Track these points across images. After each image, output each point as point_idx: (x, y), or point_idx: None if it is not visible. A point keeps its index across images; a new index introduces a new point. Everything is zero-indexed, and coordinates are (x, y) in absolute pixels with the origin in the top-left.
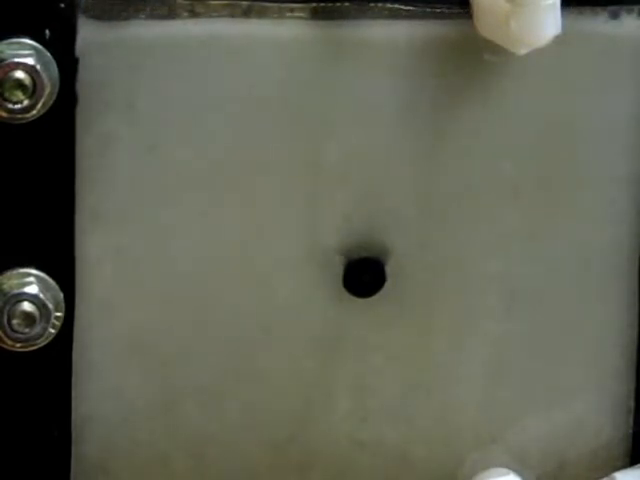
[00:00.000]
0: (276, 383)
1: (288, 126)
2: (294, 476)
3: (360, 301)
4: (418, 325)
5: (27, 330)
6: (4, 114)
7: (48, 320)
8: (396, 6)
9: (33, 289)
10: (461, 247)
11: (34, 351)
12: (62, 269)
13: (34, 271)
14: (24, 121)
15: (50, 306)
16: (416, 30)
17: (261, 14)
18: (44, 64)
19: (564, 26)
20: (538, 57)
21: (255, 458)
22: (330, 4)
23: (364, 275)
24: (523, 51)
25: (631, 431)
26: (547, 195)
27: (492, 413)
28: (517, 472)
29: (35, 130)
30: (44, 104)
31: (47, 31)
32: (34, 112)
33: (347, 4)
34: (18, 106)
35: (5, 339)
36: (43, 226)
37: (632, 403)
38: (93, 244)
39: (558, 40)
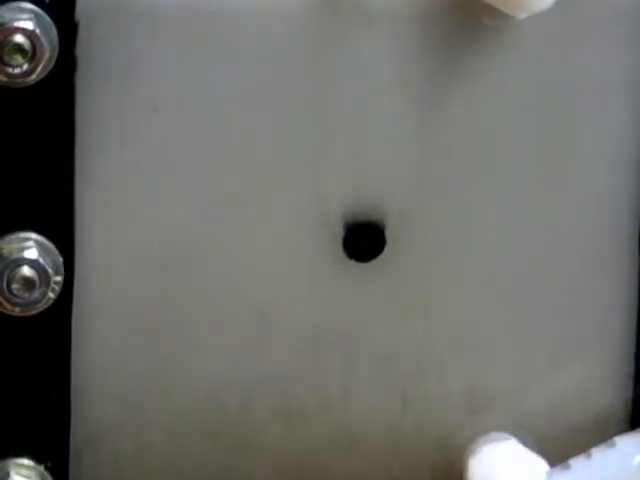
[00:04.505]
0: (276, 348)
1: (291, 93)
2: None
3: (360, 265)
4: (418, 289)
5: (27, 295)
6: (4, 78)
7: (47, 285)
8: None
9: (32, 254)
10: (461, 212)
11: (34, 315)
12: (62, 233)
13: (33, 235)
14: (24, 85)
15: (49, 271)
16: None
17: None
18: (44, 28)
19: None
20: (537, 21)
21: (262, 426)
22: None
23: (364, 240)
24: (523, 15)
25: (631, 396)
26: (547, 158)
27: (492, 377)
28: (517, 437)
29: (35, 94)
30: (44, 68)
31: None
32: (33, 76)
33: None
34: (18, 70)
35: (5, 304)
36: (43, 190)
37: (632, 368)
38: (93, 208)
39: (558, 4)
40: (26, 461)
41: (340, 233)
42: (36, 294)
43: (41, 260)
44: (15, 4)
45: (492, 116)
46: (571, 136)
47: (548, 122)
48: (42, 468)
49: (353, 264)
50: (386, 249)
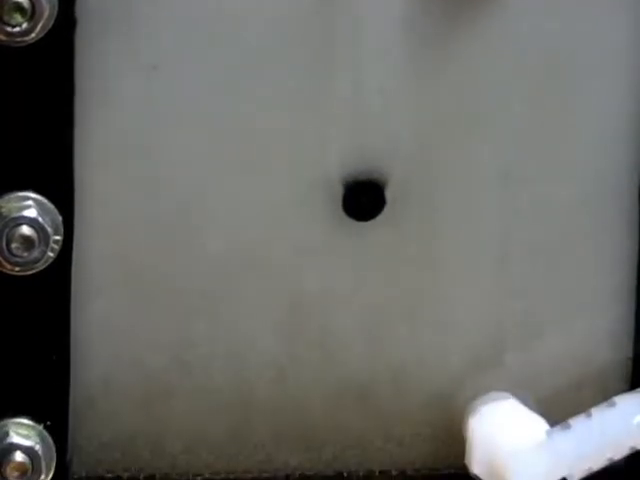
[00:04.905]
0: (274, 305)
1: (291, 49)
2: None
3: (359, 224)
4: (416, 250)
5: (26, 254)
6: (3, 37)
7: (47, 244)
8: None
9: (32, 212)
10: (460, 171)
11: (33, 275)
12: (61, 192)
13: (33, 194)
14: (23, 44)
15: (49, 230)
16: None
17: None
18: None
19: None
20: None
21: (261, 376)
22: None
23: (363, 198)
24: None
25: (631, 355)
26: (547, 115)
27: (492, 336)
28: (517, 396)
29: (34, 53)
30: (43, 27)
31: None
32: (33, 35)
33: None
34: (17, 29)
35: (4, 263)
36: (42, 149)
37: (632, 327)
38: (92, 167)
39: None
40: (25, 420)
41: (340, 191)
42: (35, 253)
43: (40, 219)
44: None
45: (493, 74)
46: (571, 92)
47: (548, 78)
48: (41, 427)
49: (352, 223)
50: (386, 209)
